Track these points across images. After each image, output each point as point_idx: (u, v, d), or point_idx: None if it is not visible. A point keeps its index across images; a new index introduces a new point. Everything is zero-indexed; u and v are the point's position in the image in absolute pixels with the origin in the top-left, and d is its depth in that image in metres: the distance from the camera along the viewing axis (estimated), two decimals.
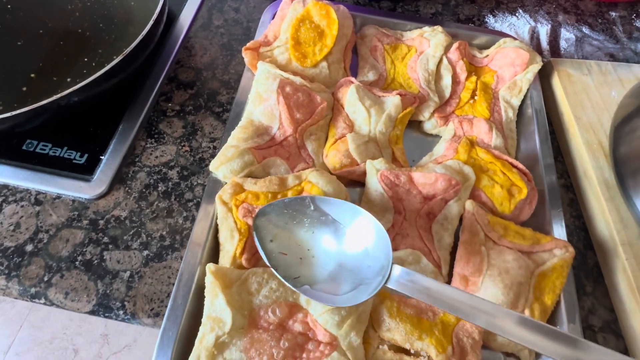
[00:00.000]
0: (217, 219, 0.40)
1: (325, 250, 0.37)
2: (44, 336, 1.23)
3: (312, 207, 0.38)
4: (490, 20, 0.65)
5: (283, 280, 0.35)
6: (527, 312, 0.38)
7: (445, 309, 0.31)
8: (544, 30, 0.65)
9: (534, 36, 0.64)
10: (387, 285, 0.33)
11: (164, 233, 0.43)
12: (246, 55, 0.49)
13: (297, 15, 0.50)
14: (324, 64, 0.50)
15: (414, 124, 0.53)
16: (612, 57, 0.64)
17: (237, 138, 0.43)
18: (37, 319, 1.26)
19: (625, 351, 0.41)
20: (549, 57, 0.62)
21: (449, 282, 0.41)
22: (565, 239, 0.43)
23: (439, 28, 0.55)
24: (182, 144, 0.48)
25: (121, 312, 0.39)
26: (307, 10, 0.50)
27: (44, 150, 0.45)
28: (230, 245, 0.39)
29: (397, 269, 0.34)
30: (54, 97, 0.39)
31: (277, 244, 0.37)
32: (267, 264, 0.35)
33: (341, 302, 0.34)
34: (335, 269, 0.36)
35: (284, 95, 0.45)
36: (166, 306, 0.37)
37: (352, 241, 0.37)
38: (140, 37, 0.44)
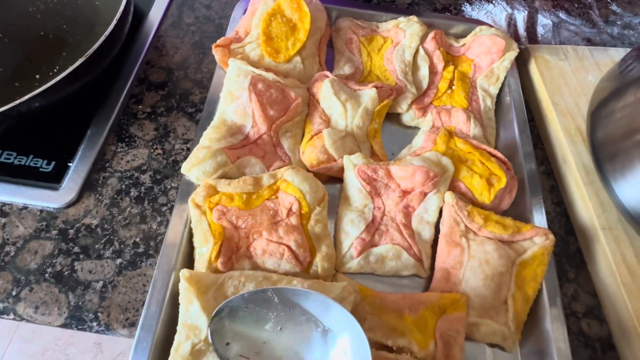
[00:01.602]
0: (191, 222, 0.39)
1: (296, 350, 0.32)
2: (35, 349, 1.20)
3: (276, 300, 0.33)
4: (467, 9, 0.64)
5: None
6: (509, 303, 0.38)
7: None
8: (520, 17, 0.64)
9: (511, 23, 0.63)
10: None
11: (138, 240, 0.41)
12: (216, 53, 0.48)
13: (268, 10, 0.49)
14: (298, 58, 0.49)
15: (393, 117, 0.52)
16: (589, 42, 0.63)
17: (209, 138, 0.42)
18: (27, 331, 1.23)
19: (609, 336, 0.41)
20: (527, 44, 0.62)
21: (431, 275, 0.41)
22: (546, 226, 0.42)
23: (414, 18, 0.54)
24: (154, 147, 0.47)
25: (94, 323, 0.37)
26: (278, 4, 0.49)
27: (9, 159, 0.44)
28: (205, 249, 0.38)
29: None
30: (13, 104, 0.37)
31: (237, 347, 0.32)
32: None
33: None
34: None
35: (256, 93, 0.43)
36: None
37: (326, 338, 0.33)
38: (103, 38, 0.42)
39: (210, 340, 0.32)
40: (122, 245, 0.41)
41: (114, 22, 0.44)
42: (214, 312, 0.32)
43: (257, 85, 0.44)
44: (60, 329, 0.36)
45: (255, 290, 0.33)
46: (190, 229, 0.39)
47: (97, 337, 1.23)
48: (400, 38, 0.53)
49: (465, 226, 0.40)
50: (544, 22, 0.64)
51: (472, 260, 0.38)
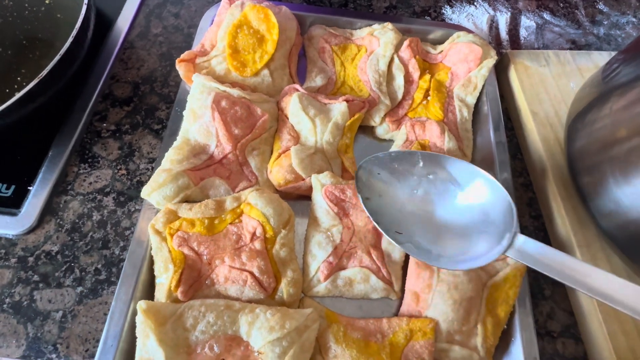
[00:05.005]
0: (151, 249, 0.38)
1: (432, 209, 0.36)
2: None
3: (421, 164, 0.37)
4: (447, 12, 0.62)
5: (384, 233, 0.35)
6: (479, 327, 0.36)
7: (565, 281, 0.30)
8: (503, 19, 0.62)
9: (493, 26, 0.61)
10: (507, 253, 0.32)
11: (99, 266, 0.40)
12: (180, 68, 0.46)
13: (234, 21, 0.47)
14: (266, 71, 0.47)
15: (367, 129, 0.50)
16: (574, 44, 0.61)
17: (170, 160, 0.40)
18: None
19: (585, 356, 0.40)
20: (509, 47, 0.60)
21: (402, 298, 0.40)
22: None
23: (388, 25, 0.52)
24: (118, 167, 0.45)
25: (54, 355, 0.36)
26: (245, 15, 0.47)
27: None
28: (165, 278, 0.36)
29: (522, 238, 0.33)
30: None
31: (378, 198, 0.37)
32: (368, 215, 0.36)
33: (445, 263, 0.34)
34: (441, 230, 0.35)
35: (219, 111, 0.42)
36: None
37: (465, 203, 0.36)
38: (58, 57, 0.40)
39: (356, 188, 0.38)
40: (83, 273, 0.40)
41: (70, 39, 0.42)
42: (359, 165, 0.39)
43: (220, 103, 0.42)
44: None
45: (403, 151, 0.38)
46: (151, 256, 0.38)
47: None
48: (375, 46, 0.51)
49: None
50: (527, 23, 0.62)
51: (440, 284, 0.37)
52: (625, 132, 0.35)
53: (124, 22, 0.56)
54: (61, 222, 0.42)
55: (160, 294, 0.36)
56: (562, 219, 0.44)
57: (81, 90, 0.49)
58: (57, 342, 0.37)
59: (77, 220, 0.42)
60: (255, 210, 0.39)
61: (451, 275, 0.37)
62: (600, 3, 0.66)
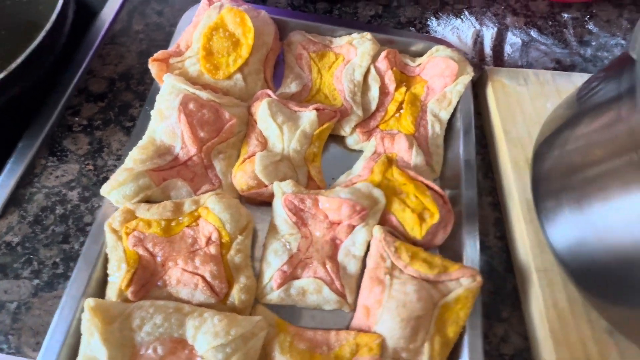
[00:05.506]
0: (106, 247, 0.38)
1: None
2: None
3: None
4: (433, 24, 0.61)
5: None
6: (426, 346, 0.37)
7: None
8: (489, 34, 0.62)
9: (478, 41, 0.61)
10: None
11: (58, 260, 0.41)
12: (153, 67, 0.46)
13: (210, 23, 0.47)
14: (239, 75, 0.47)
15: (338, 138, 0.50)
16: (559, 63, 0.61)
17: (133, 159, 0.41)
18: None
19: None
20: (492, 63, 0.59)
21: (354, 310, 0.40)
22: (478, 264, 0.41)
23: (367, 35, 0.52)
24: (86, 162, 0.46)
25: (5, 346, 0.37)
26: (221, 17, 0.47)
27: None
28: (117, 277, 0.37)
29: None
30: None
31: None
32: None
33: None
34: None
35: (185, 113, 0.42)
36: None
37: None
38: (28, 51, 0.41)
39: None
40: (41, 266, 0.40)
41: (43, 33, 0.42)
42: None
43: (187, 105, 0.42)
44: None
45: None
46: (107, 254, 0.38)
47: None
48: (352, 56, 0.51)
49: (392, 262, 0.39)
50: (512, 40, 0.62)
51: (390, 301, 0.37)
52: (581, 161, 0.34)
53: (106, 16, 0.56)
54: (24, 214, 0.42)
55: (112, 293, 0.37)
56: (523, 242, 0.43)
57: (57, 83, 0.49)
58: (9, 333, 0.37)
59: (40, 213, 0.42)
60: (212, 214, 0.39)
61: (402, 293, 0.37)
62: (591, 23, 0.66)
